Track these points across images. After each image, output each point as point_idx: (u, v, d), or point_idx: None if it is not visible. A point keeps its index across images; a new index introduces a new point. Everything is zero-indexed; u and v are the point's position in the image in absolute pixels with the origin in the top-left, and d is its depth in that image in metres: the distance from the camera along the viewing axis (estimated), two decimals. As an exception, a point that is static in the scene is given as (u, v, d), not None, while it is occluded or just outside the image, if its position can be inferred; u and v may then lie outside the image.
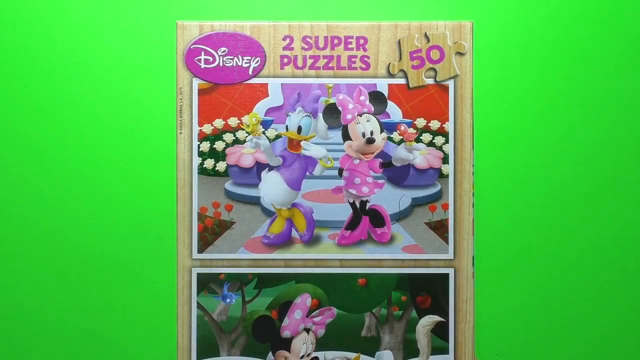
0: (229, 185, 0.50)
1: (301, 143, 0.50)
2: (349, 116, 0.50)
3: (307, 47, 0.50)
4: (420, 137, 0.51)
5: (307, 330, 0.51)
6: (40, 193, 0.55)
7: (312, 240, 0.50)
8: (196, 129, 0.50)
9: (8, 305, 0.55)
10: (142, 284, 0.56)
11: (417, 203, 0.51)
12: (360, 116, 0.50)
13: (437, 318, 0.51)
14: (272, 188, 0.50)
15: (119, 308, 0.55)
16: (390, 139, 0.51)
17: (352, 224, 0.51)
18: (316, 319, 0.51)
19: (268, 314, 0.51)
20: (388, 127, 0.51)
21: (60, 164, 0.55)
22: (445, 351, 0.51)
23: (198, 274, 0.50)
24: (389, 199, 0.51)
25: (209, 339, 0.50)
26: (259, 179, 0.50)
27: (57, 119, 0.55)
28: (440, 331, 0.51)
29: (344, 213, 0.51)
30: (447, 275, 0.51)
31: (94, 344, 0.55)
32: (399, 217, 0.51)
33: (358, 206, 0.51)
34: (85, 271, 0.55)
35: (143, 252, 0.56)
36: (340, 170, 0.51)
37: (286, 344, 0.51)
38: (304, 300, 0.50)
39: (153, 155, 0.53)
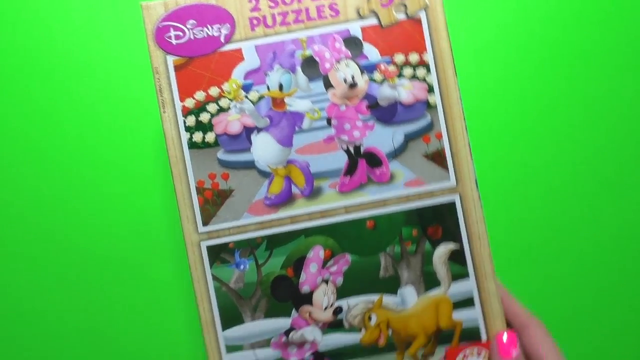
0: (221, 154, 0.50)
1: (285, 100, 0.50)
2: (327, 65, 0.50)
3: (273, 4, 0.50)
4: (402, 73, 0.51)
5: (326, 281, 0.51)
6: (35, 190, 0.55)
7: (313, 193, 0.51)
8: (179, 105, 0.50)
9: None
10: (153, 267, 0.56)
11: (410, 137, 0.51)
12: (339, 63, 0.50)
13: (451, 246, 0.51)
14: (265, 149, 0.50)
15: (134, 295, 0.55)
16: (372, 79, 0.51)
17: (350, 170, 0.51)
18: (332, 269, 0.51)
19: (284, 273, 0.51)
20: (368, 69, 0.51)
21: (51, 160, 0.55)
22: (465, 276, 0.51)
23: (207, 247, 0.50)
24: (382, 138, 0.51)
25: (231, 308, 0.51)
26: (250, 142, 0.50)
27: (39, 113, 0.55)
28: (456, 257, 0.51)
29: (340, 160, 0.51)
30: (453, 202, 0.51)
31: (115, 333, 0.56)
32: (395, 154, 0.51)
33: (353, 151, 0.51)
34: (97, 263, 0.55)
35: (149, 237, 0.56)
36: (329, 120, 0.51)
37: (307, 299, 0.51)
38: (317, 253, 0.51)
39: (141, 139, 0.54)
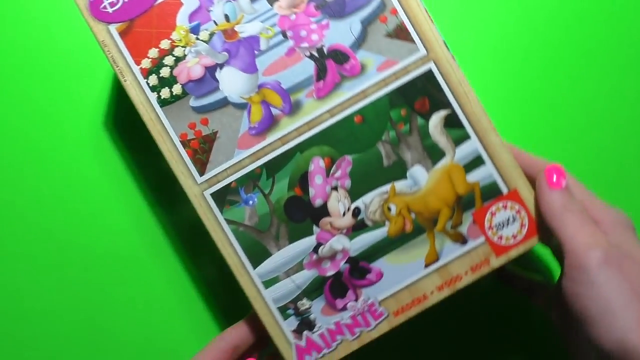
0: (193, 101, 0.50)
1: (235, 29, 0.50)
2: (262, -19, 0.50)
3: (191, -59, 0.50)
4: (337, -34, 0.50)
5: (335, 188, 0.50)
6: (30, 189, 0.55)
7: (293, 109, 0.50)
8: (137, 69, 0.50)
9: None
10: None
11: (367, 23, 0.50)
12: (273, -24, 0.50)
13: (443, 112, 0.51)
14: (232, 82, 0.50)
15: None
16: (310, -19, 0.50)
17: (321, 74, 0.50)
18: (337, 174, 0.50)
19: (293, 194, 0.50)
20: (303, -28, 0.50)
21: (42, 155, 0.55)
22: (466, 138, 0.51)
23: (211, 194, 0.50)
24: (340, 33, 0.50)
25: (254, 245, 0.50)
26: (216, 81, 0.50)
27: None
28: (452, 122, 0.51)
29: (309, 68, 0.50)
30: (429, 69, 0.50)
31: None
32: (358, 43, 0.50)
33: (317, 55, 0.50)
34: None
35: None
36: (284, 33, 0.50)
37: (323, 211, 0.50)
38: (317, 164, 0.50)
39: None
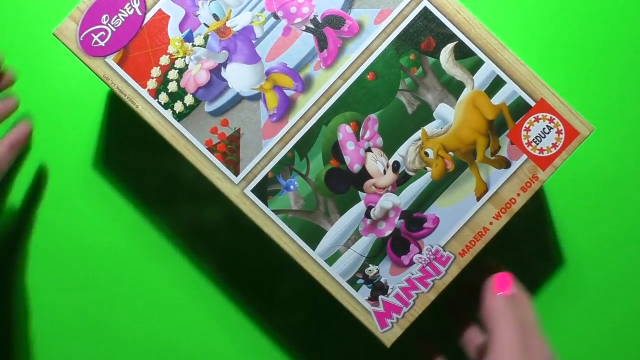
0: (207, 107, 0.50)
1: (227, 25, 0.50)
2: (239, -29, 0.50)
3: (159, -46, 0.50)
4: (306, -64, 0.50)
5: (368, 149, 0.50)
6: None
7: (306, 85, 0.50)
8: (144, 92, 0.50)
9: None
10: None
11: (351, -19, 0.50)
12: (248, -36, 0.50)
13: (450, 45, 0.50)
14: (240, 77, 0.50)
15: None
16: (285, -43, 0.50)
17: (322, 43, 0.50)
18: (366, 136, 0.50)
19: (330, 167, 0.50)
20: (276, -49, 0.50)
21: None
22: (480, 63, 0.50)
23: (251, 190, 0.50)
24: (329, -1, 0.50)
25: (307, 227, 0.50)
26: (224, 79, 0.50)
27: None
28: (462, 52, 0.50)
29: (309, 42, 0.50)
30: (424, 7, 0.50)
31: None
32: (349, 4, 0.50)
33: (313, 26, 0.50)
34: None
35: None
36: (274, 14, 0.50)
37: (364, 175, 0.50)
38: (345, 131, 0.50)
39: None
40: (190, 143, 0.50)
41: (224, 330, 0.59)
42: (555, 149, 0.50)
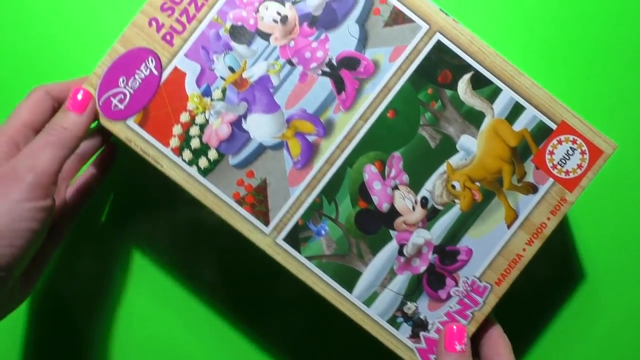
0: (232, 159, 0.50)
1: (243, 76, 0.50)
2: (251, 21, 0.50)
3: (170, 12, 0.50)
4: (313, -20, 0.50)
5: (395, 187, 0.50)
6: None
7: (327, 129, 0.50)
8: (167, 151, 0.50)
9: None
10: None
11: (363, 21, 0.50)
12: (258, 12, 0.50)
13: (466, 76, 0.51)
14: (261, 127, 0.50)
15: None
16: (295, 2, 0.50)
17: (339, 86, 0.50)
18: (392, 174, 0.50)
19: (358, 209, 0.50)
20: (285, -1, 0.50)
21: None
22: (497, 91, 0.50)
23: (283, 239, 0.50)
24: (342, 40, 0.50)
25: (342, 271, 0.50)
26: (245, 131, 0.50)
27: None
28: (478, 82, 0.50)
29: (326, 86, 0.50)
30: (438, 40, 0.50)
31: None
32: (363, 44, 0.50)
33: (329, 70, 0.50)
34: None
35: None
36: (290, 61, 0.50)
37: (393, 213, 0.50)
38: (370, 171, 0.50)
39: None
40: (218, 198, 0.50)
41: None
42: (580, 169, 0.50)
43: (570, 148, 0.50)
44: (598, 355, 0.60)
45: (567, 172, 0.50)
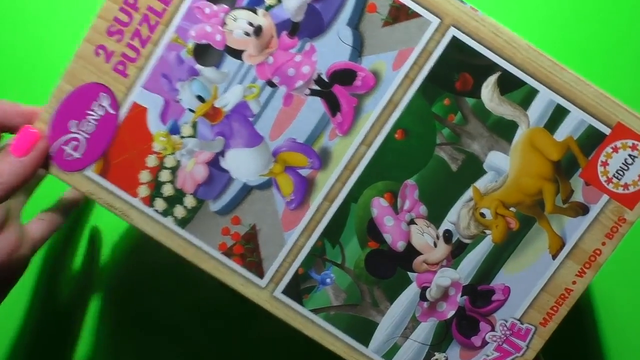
0: (213, 205, 0.42)
1: (216, 105, 0.41)
2: (217, 37, 0.41)
3: (119, 36, 0.41)
4: (291, -27, 0.40)
5: (411, 222, 0.41)
6: None
7: (322, 159, 0.41)
8: (136, 201, 0.42)
9: None
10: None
11: (355, 24, 0.40)
12: (226, 25, 0.40)
13: (492, 78, 0.40)
14: (243, 164, 0.42)
15: None
16: (269, 8, 0.40)
17: (333, 106, 0.41)
18: (406, 206, 0.41)
19: (369, 250, 0.42)
20: (254, 3, 0.40)
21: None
22: (533, 92, 0.40)
23: (282, 292, 0.43)
24: (333, 49, 0.41)
25: (355, 323, 0.43)
26: (226, 171, 0.42)
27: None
28: (507, 83, 0.40)
29: (317, 107, 0.41)
30: (453, 37, 0.40)
31: None
32: (358, 51, 0.40)
33: (319, 87, 0.41)
34: None
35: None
36: (270, 82, 0.41)
37: (411, 252, 0.42)
38: (379, 205, 0.41)
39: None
40: (201, 250, 0.42)
41: None
42: (641, 180, 0.40)
43: (630, 155, 0.40)
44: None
45: (625, 186, 0.40)
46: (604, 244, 0.41)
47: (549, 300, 0.42)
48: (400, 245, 0.42)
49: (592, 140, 0.40)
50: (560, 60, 0.40)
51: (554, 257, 0.41)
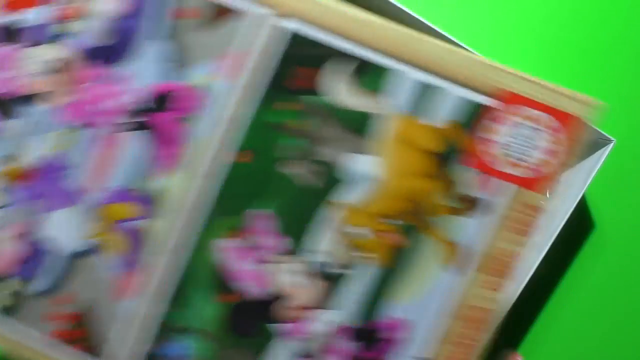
0: (37, 285, 0.34)
1: (22, 165, 0.35)
2: (12, 83, 0.35)
3: None
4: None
5: (271, 261, 0.33)
6: None
7: (154, 204, 0.34)
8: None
9: None
10: None
11: (167, 33, 0.34)
12: (19, 69, 0.35)
13: (337, 68, 0.33)
14: (62, 229, 0.34)
15: None
16: (68, 37, 0.35)
17: (157, 139, 0.34)
18: (261, 243, 0.33)
19: (221, 307, 0.33)
20: (35, 33, 0.35)
21: None
22: (389, 75, 0.33)
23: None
24: (146, 67, 0.35)
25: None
26: (44, 241, 0.34)
27: None
28: (363, 71, 0.33)
29: (139, 143, 0.34)
30: (290, 31, 0.33)
31: None
32: (179, 60, 0.34)
33: (138, 119, 0.34)
34: None
35: None
36: (82, 124, 0.35)
37: (274, 298, 0.33)
38: (223, 249, 0.33)
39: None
40: (30, 343, 0.34)
41: None
42: (551, 156, 0.32)
43: (531, 129, 0.32)
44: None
45: (528, 168, 0.32)
46: (516, 242, 0.32)
47: (459, 326, 0.33)
48: (259, 292, 0.33)
49: (472, 114, 0.33)
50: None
51: (455, 269, 0.32)
